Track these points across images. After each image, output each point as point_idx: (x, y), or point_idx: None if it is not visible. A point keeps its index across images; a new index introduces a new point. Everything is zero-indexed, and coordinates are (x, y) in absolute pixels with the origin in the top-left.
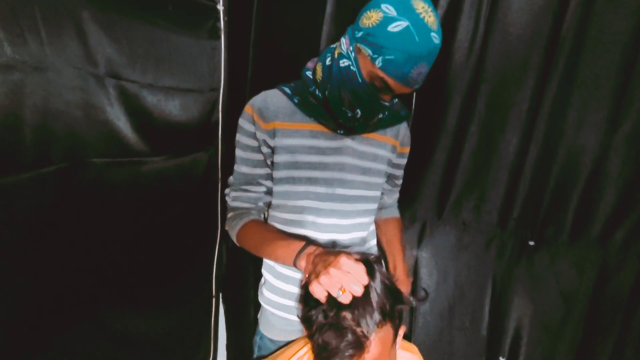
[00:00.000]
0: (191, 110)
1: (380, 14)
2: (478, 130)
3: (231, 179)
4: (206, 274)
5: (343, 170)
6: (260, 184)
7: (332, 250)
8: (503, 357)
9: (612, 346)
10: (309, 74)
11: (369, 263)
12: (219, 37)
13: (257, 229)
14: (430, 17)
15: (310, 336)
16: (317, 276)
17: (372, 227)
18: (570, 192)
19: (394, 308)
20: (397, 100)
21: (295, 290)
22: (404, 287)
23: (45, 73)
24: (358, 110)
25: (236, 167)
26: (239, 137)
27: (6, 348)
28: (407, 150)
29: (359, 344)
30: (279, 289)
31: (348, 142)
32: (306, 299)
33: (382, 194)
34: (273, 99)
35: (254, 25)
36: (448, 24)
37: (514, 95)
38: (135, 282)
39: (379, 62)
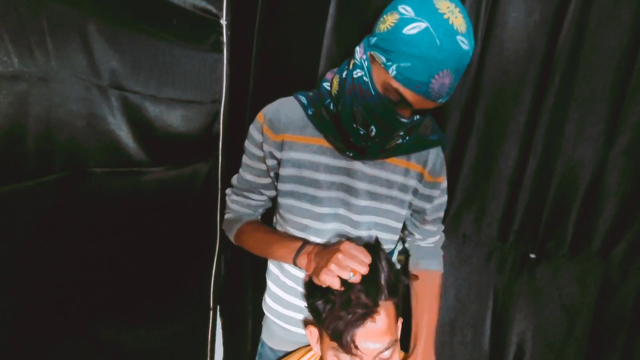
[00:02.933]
0: (192, 122)
1: (396, 16)
2: (477, 143)
3: (234, 180)
4: (204, 286)
5: (348, 193)
6: (262, 194)
7: (330, 245)
8: None
9: None
10: (326, 85)
11: (370, 245)
12: (222, 51)
13: (256, 229)
14: (456, 18)
15: (321, 322)
16: (326, 265)
17: None
18: (570, 205)
19: (397, 283)
20: (423, 118)
21: (297, 302)
22: None
23: (50, 84)
24: (372, 128)
25: (241, 172)
26: (247, 144)
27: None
28: (440, 180)
29: (368, 307)
30: (281, 299)
31: (358, 163)
32: (312, 291)
33: (410, 231)
34: (286, 109)
35: (256, 39)
36: None
37: (511, 109)
38: (132, 293)
39: (392, 71)
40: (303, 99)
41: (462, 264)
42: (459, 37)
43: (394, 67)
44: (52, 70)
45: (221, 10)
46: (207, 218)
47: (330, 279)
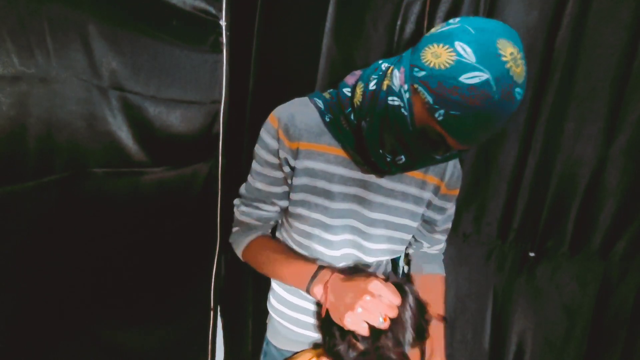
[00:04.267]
0: (192, 122)
1: (453, 56)
2: None
3: (243, 189)
4: (204, 286)
5: (361, 205)
6: (274, 204)
7: (349, 275)
8: None
9: None
10: (346, 91)
11: (398, 284)
12: (221, 51)
13: (266, 247)
14: (518, 67)
15: None
16: (351, 307)
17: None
18: (569, 203)
19: (425, 326)
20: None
21: (303, 303)
22: None
23: (51, 85)
24: (402, 157)
25: (250, 180)
26: (258, 150)
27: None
28: (454, 192)
29: None
30: (287, 301)
31: (374, 175)
32: (328, 329)
33: (418, 239)
34: (302, 114)
35: (255, 39)
36: None
37: None
38: (132, 293)
39: (439, 115)
40: (320, 103)
41: (461, 263)
42: (516, 90)
43: (441, 112)
44: (52, 71)
45: (220, 11)
46: (208, 218)
47: (356, 324)
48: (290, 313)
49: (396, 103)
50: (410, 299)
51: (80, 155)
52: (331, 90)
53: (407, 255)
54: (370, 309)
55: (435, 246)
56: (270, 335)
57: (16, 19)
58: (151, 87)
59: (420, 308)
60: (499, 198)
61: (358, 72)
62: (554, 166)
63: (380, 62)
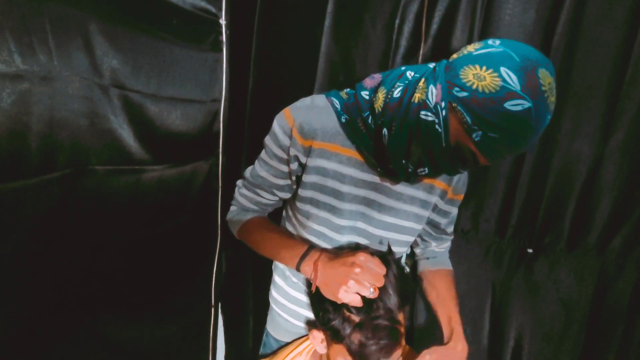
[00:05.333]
0: (193, 120)
1: (498, 81)
2: None
3: (247, 173)
4: (205, 283)
5: (370, 207)
6: (274, 194)
7: (336, 255)
8: None
9: (614, 357)
10: (365, 94)
11: (381, 255)
12: (221, 50)
13: (261, 226)
14: (552, 96)
15: (340, 339)
16: (343, 281)
17: None
18: (567, 200)
19: (409, 292)
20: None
21: (302, 297)
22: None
23: (53, 83)
24: (425, 169)
25: (257, 166)
26: (269, 142)
27: (1, 356)
28: (460, 197)
29: (395, 332)
30: (287, 293)
31: (386, 180)
32: (321, 304)
33: (425, 239)
34: (318, 114)
35: (255, 38)
36: (442, 38)
37: None
38: (133, 291)
39: (477, 136)
40: (337, 103)
41: (460, 259)
42: (547, 116)
43: (479, 133)
44: (54, 69)
45: (220, 9)
46: (208, 216)
47: (349, 296)
48: (290, 306)
49: (430, 119)
50: (393, 267)
51: (82, 152)
52: (348, 90)
53: (409, 255)
54: (360, 281)
55: (443, 245)
56: (269, 326)
57: (18, 18)
58: (152, 85)
59: (402, 276)
60: (496, 195)
61: (377, 76)
62: (551, 163)
63: (403, 68)
